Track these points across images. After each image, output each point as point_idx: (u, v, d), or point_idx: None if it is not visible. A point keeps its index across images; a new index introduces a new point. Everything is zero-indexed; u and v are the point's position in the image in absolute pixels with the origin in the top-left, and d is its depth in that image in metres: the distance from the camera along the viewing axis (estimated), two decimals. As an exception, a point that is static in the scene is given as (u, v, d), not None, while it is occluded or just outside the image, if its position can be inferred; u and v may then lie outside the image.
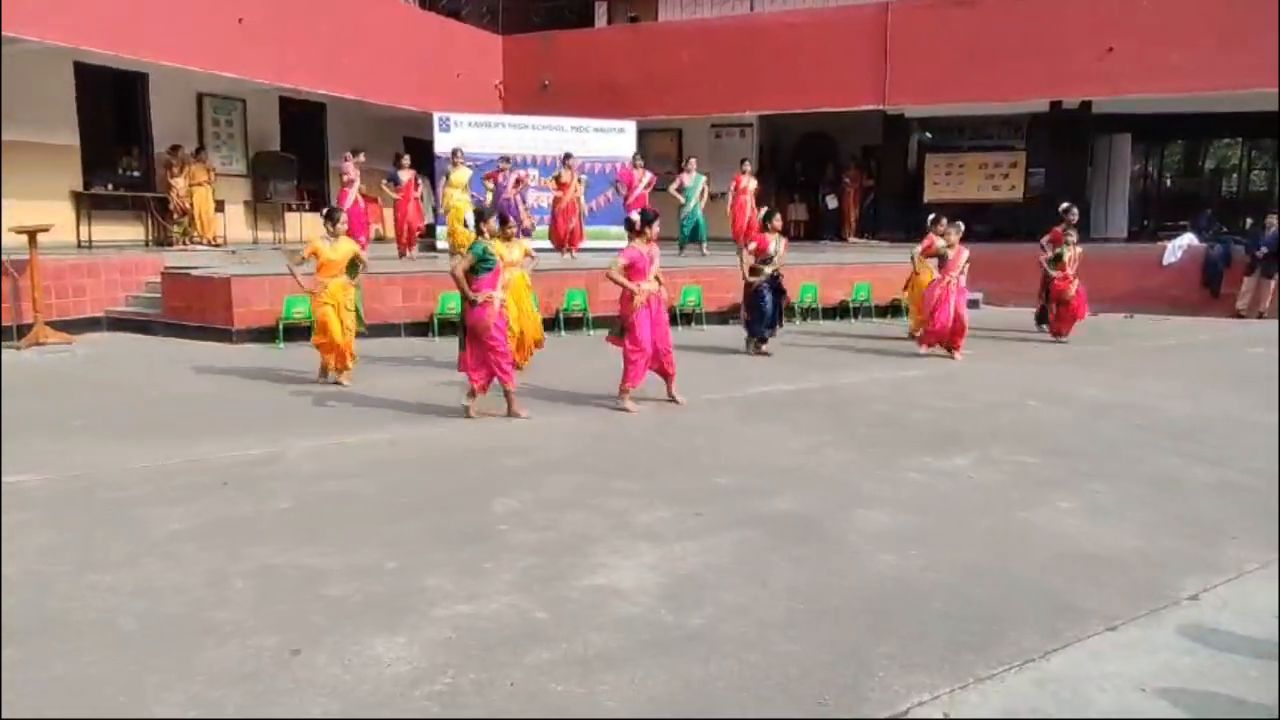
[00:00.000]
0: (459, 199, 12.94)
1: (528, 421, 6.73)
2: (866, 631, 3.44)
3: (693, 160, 14.48)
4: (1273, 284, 13.17)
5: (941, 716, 2.89)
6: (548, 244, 13.46)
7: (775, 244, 9.64)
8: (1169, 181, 20.57)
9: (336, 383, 7.96)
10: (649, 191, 13.94)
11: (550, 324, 11.44)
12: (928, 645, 3.32)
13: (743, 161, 14.69)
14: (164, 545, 4.23)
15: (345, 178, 12.74)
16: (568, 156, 13.70)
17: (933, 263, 10.03)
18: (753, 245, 9.85)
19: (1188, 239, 14.43)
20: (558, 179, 13.59)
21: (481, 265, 6.63)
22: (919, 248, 10.49)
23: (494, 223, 7.18)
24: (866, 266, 13.60)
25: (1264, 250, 13.12)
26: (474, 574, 3.93)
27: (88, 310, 10.86)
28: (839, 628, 3.47)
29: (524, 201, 13.11)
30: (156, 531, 4.41)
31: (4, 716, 2.83)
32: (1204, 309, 13.57)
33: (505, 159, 13.26)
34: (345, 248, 7.95)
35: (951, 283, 9.59)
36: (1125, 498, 5.05)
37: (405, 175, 13.03)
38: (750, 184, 14.39)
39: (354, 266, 8.05)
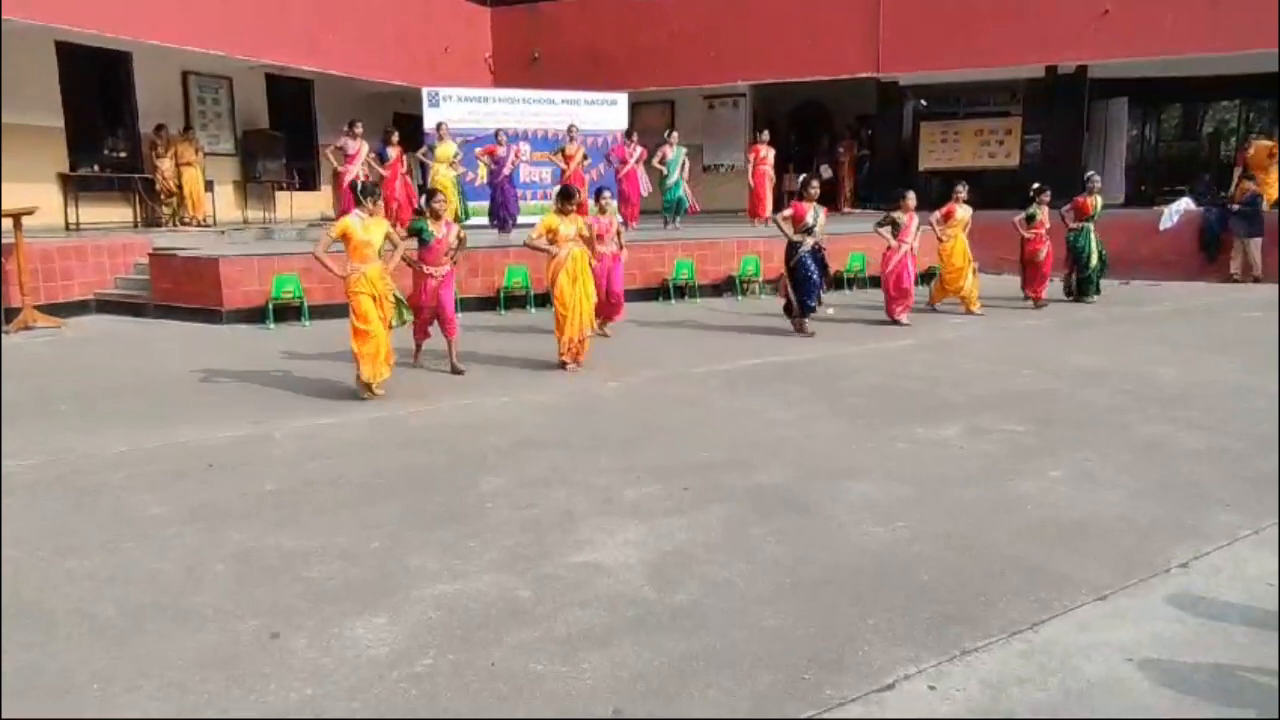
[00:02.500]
0: (445, 174, 12.77)
1: (512, 399, 6.69)
2: (852, 605, 3.40)
3: (674, 134, 14.40)
4: (1257, 248, 13.11)
5: (927, 689, 2.86)
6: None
7: (814, 213, 9.16)
8: (1166, 146, 20.39)
9: (367, 396, 6.66)
10: (640, 165, 13.94)
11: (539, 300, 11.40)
12: (913, 618, 3.29)
13: (760, 131, 14.70)
14: (144, 530, 4.19)
15: (346, 153, 12.17)
16: (571, 129, 13.57)
17: (886, 230, 10.14)
18: (788, 213, 9.38)
19: (1184, 203, 14.31)
20: (562, 152, 13.41)
21: (420, 241, 7.40)
22: (937, 215, 10.77)
23: (439, 203, 7.55)
24: (862, 237, 13.46)
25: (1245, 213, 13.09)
26: (457, 553, 3.90)
27: (76, 293, 10.77)
28: (824, 601, 3.44)
29: (510, 182, 13.05)
30: (137, 516, 4.37)
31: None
32: (1201, 273, 13.48)
33: (503, 132, 13.09)
34: (380, 228, 6.80)
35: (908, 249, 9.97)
36: (1115, 466, 5.01)
37: (393, 152, 12.77)
38: (769, 154, 14.49)
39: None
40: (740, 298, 12.36)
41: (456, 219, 12.73)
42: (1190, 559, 3.79)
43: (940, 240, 10.71)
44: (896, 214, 10.10)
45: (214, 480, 4.89)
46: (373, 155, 12.64)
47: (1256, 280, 13.04)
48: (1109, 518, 4.26)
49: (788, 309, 9.44)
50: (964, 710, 2.75)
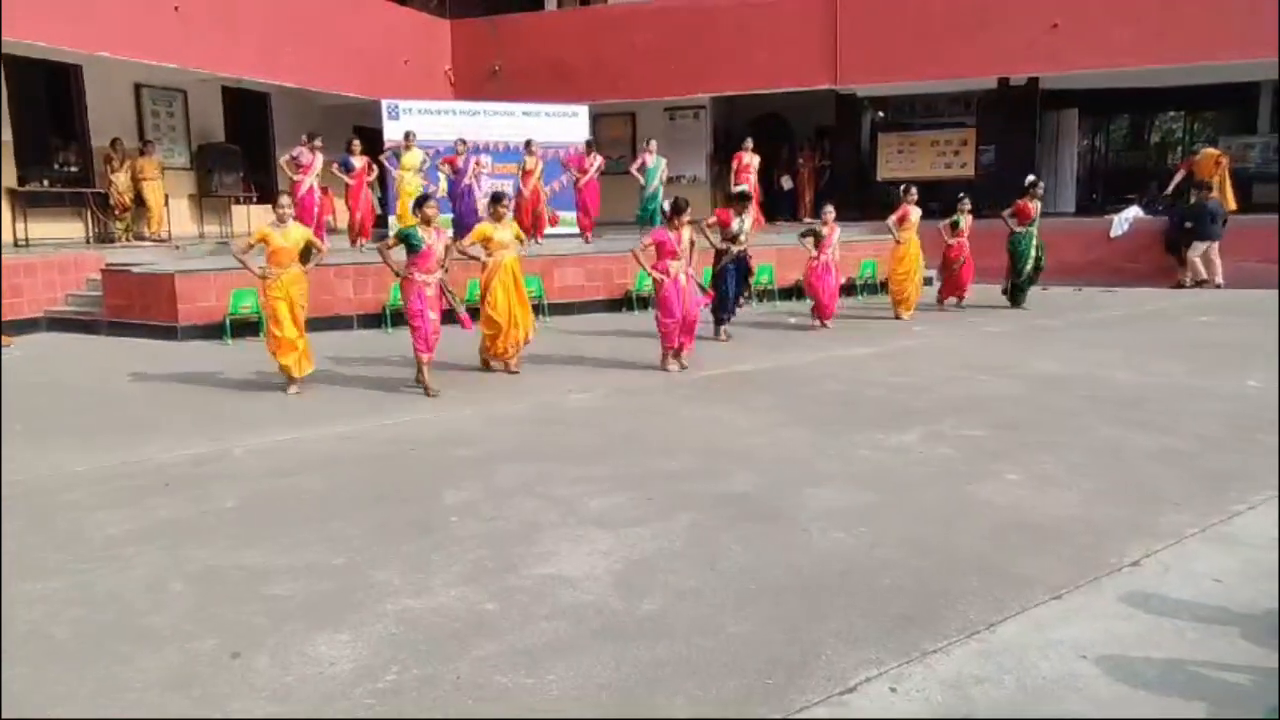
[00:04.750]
0: (410, 181, 12.69)
1: (477, 411, 6.67)
2: (815, 610, 3.45)
3: (653, 142, 14.34)
4: (1194, 253, 13.50)
5: (888, 690, 2.91)
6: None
7: (739, 221, 9.34)
8: (1116, 155, 20.91)
9: (289, 390, 7.23)
10: (599, 175, 13.90)
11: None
12: (875, 621, 3.34)
13: (745, 140, 14.78)
14: (101, 550, 4.12)
15: (299, 163, 12.06)
16: (529, 143, 13.55)
17: (808, 241, 10.40)
18: (712, 220, 9.54)
19: (1134, 212, 14.68)
20: (522, 167, 13.39)
21: (409, 247, 7.15)
22: (893, 218, 11.12)
23: (432, 209, 7.26)
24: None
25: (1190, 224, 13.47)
26: (422, 567, 3.88)
27: (25, 311, 10.53)
28: (788, 607, 3.48)
29: (480, 187, 12.96)
30: (94, 536, 4.29)
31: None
32: (1151, 280, 13.83)
33: (463, 141, 13.03)
34: (297, 234, 7.23)
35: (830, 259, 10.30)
36: (1071, 468, 5.13)
37: (359, 162, 12.63)
38: (753, 160, 14.56)
39: (308, 254, 7.43)
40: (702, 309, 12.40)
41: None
42: (1141, 557, 3.89)
43: (898, 242, 11.05)
44: (819, 226, 10.48)
45: (173, 498, 4.81)
46: (336, 165, 12.52)
47: (1200, 285, 13.39)
48: (1065, 518, 4.36)
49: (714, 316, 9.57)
50: (925, 710, 2.80)
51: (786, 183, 18.50)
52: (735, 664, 3.06)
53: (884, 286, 13.33)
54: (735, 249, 9.37)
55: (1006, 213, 11.76)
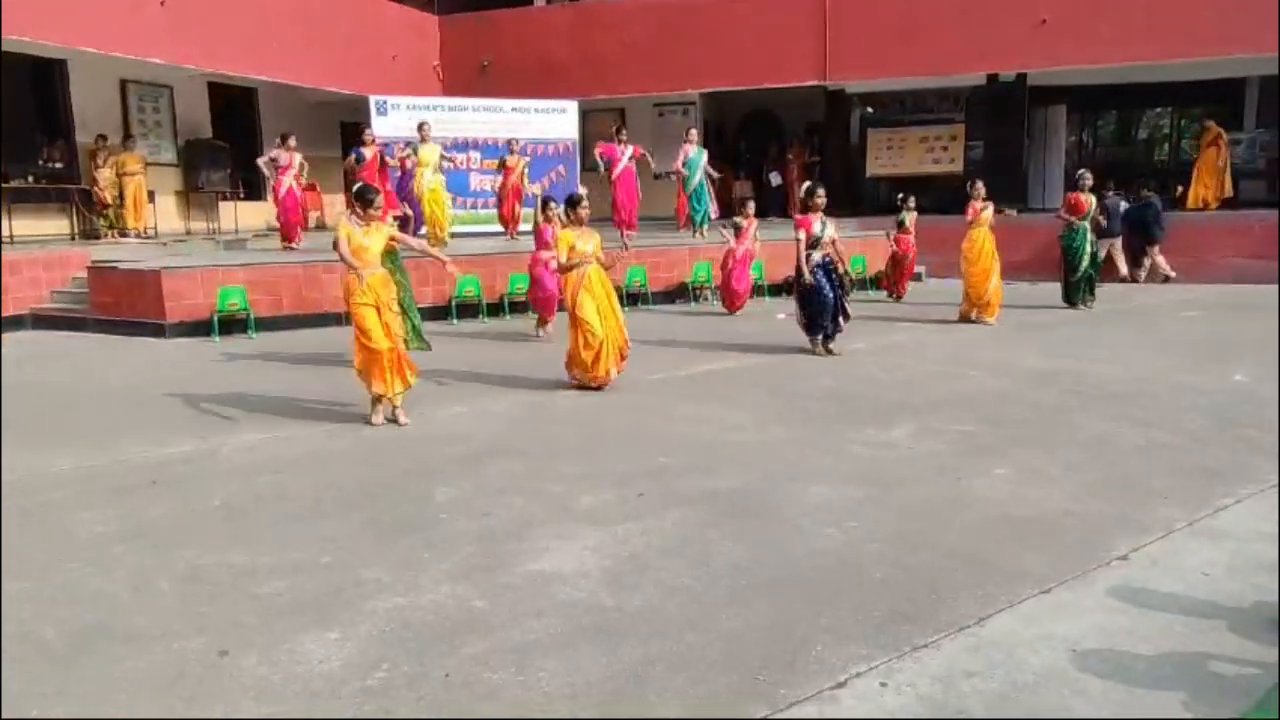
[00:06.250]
0: (430, 179, 12.29)
1: (467, 409, 6.65)
2: (806, 605, 3.45)
3: (693, 131, 13.82)
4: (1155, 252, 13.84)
5: (879, 685, 2.91)
6: (496, 227, 13.98)
7: (820, 224, 8.50)
8: (1104, 151, 20.97)
9: (392, 419, 6.21)
10: (635, 164, 13.45)
11: (496, 309, 11.37)
12: (866, 616, 3.34)
13: (688, 131, 14.16)
14: (87, 550, 4.09)
15: (277, 164, 12.12)
16: (511, 142, 13.50)
17: (729, 233, 11.12)
18: (800, 231, 8.58)
19: (1122, 207, 14.73)
20: (503, 163, 13.36)
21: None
22: (968, 218, 10.47)
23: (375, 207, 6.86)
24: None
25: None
26: (411, 565, 3.86)
27: (10, 309, 10.46)
28: (779, 603, 3.48)
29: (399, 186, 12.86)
30: (80, 535, 4.26)
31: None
32: (1137, 275, 13.91)
33: (408, 144, 12.73)
34: (381, 234, 6.28)
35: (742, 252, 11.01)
36: (1060, 462, 5.14)
37: (369, 153, 12.43)
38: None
39: (393, 255, 6.54)
40: (693, 303, 12.44)
41: (437, 234, 12.49)
42: (1130, 551, 3.91)
43: (970, 263, 10.30)
44: (738, 219, 11.09)
45: (160, 497, 4.78)
46: (351, 158, 12.43)
47: (1167, 280, 13.57)
48: (1054, 513, 4.38)
49: (807, 329, 8.74)
50: (915, 705, 2.80)
51: (776, 179, 18.51)
52: (726, 660, 3.06)
53: (874, 282, 13.42)
54: (817, 255, 8.47)
55: (1062, 209, 11.37)
